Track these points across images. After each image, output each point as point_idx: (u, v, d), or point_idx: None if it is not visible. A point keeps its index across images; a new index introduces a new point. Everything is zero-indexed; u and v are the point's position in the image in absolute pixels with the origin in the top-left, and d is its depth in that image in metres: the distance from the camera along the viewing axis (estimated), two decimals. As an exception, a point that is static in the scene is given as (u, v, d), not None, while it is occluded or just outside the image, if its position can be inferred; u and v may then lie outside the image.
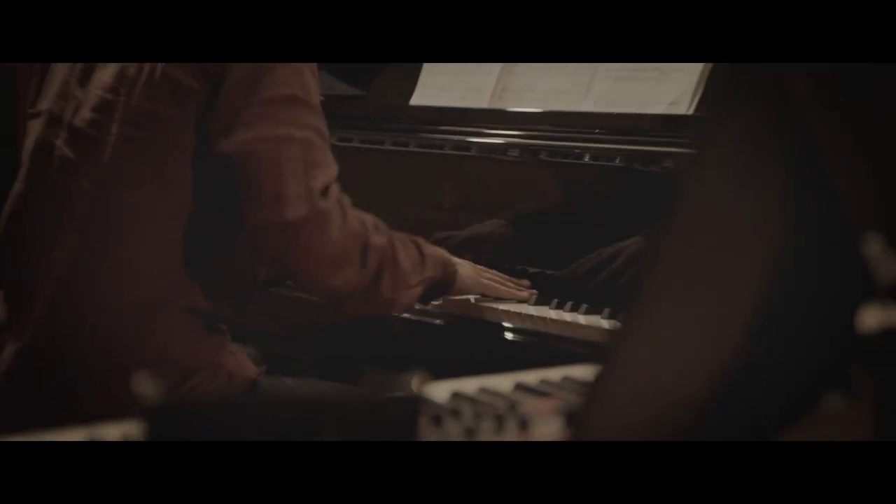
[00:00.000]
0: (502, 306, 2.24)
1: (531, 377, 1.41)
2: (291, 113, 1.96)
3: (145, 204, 1.98)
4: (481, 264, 2.27)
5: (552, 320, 2.16)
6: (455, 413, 1.23)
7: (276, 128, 1.94)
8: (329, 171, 1.99)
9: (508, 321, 2.22)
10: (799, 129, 0.89)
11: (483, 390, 1.37)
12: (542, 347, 2.15)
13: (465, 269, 2.22)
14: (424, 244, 2.14)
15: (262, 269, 2.12)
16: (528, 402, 1.29)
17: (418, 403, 1.03)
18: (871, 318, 0.99)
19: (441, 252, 2.17)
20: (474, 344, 2.27)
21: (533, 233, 2.32)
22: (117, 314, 1.98)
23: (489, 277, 2.27)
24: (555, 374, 1.43)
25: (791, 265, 0.96)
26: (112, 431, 1.20)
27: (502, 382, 1.40)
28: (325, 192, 1.96)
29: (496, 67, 2.52)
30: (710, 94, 2.20)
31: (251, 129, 1.94)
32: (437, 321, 2.33)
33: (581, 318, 2.14)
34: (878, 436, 1.03)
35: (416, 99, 2.62)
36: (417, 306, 2.35)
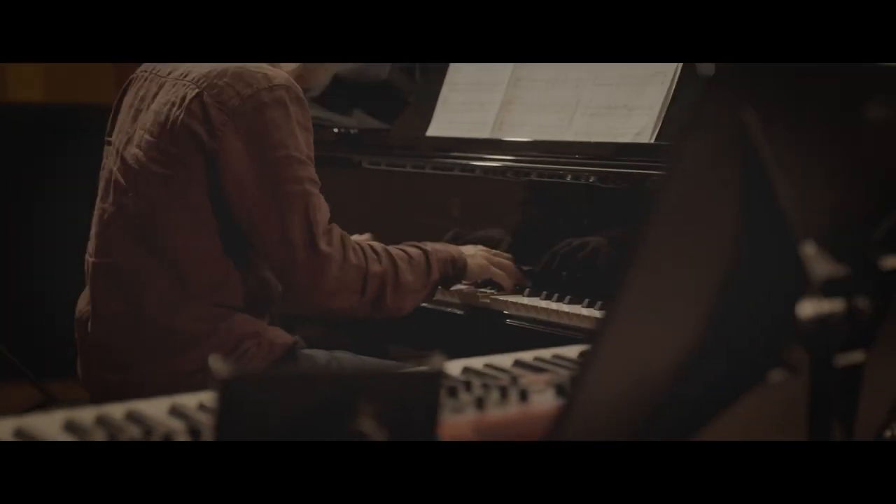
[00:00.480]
0: (503, 297, 2.22)
1: (528, 356, 1.40)
2: (288, 171, 1.92)
3: (177, 225, 1.97)
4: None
5: (543, 308, 2.15)
6: (467, 385, 1.22)
7: (275, 185, 1.91)
8: (324, 211, 1.96)
9: (508, 310, 2.20)
10: (751, 156, 0.87)
11: (488, 365, 1.35)
12: (535, 331, 2.13)
13: (476, 259, 2.18)
14: (434, 250, 2.10)
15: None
16: (526, 376, 1.27)
17: (438, 377, 1.01)
18: (807, 308, 0.98)
19: (450, 253, 2.13)
20: (481, 328, 2.25)
21: (524, 238, 2.31)
22: (167, 302, 1.97)
23: (498, 261, 2.22)
24: (546, 353, 1.42)
25: (744, 266, 0.95)
26: (190, 400, 1.18)
27: (504, 360, 1.38)
28: (327, 234, 1.94)
29: (496, 105, 2.50)
30: (676, 124, 2.18)
31: (256, 189, 1.91)
32: (456, 310, 2.30)
33: (566, 307, 2.12)
34: (812, 401, 1.01)
35: (431, 131, 2.61)
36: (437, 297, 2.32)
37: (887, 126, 0.97)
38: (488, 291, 2.25)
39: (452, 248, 2.16)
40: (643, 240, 0.90)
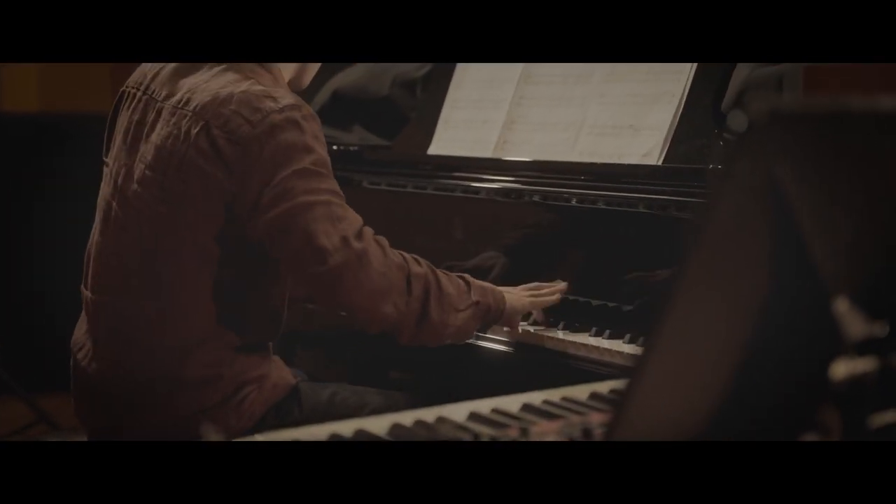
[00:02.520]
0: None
1: (536, 398, 1.34)
2: (308, 183, 1.82)
3: (183, 269, 1.87)
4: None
5: (548, 337, 2.09)
6: (475, 436, 1.16)
7: (297, 198, 1.81)
8: (354, 220, 1.86)
9: (512, 338, 2.14)
10: (783, 211, 0.82)
11: (496, 411, 1.30)
12: (526, 362, 2.06)
13: (512, 294, 2.06)
14: (470, 278, 2.00)
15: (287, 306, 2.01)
16: (537, 424, 1.21)
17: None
18: (840, 368, 0.92)
19: (487, 284, 2.02)
20: (486, 357, 2.19)
21: (528, 261, 2.25)
22: (171, 349, 1.89)
23: (531, 294, 2.10)
24: (555, 394, 1.36)
25: (774, 322, 0.90)
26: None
27: (511, 403, 1.33)
28: (358, 235, 1.84)
29: (499, 123, 2.45)
30: (684, 145, 2.13)
31: (277, 207, 1.81)
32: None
33: (571, 336, 2.06)
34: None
35: (433, 150, 2.56)
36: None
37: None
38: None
39: (487, 283, 2.03)
40: (674, 294, 0.85)
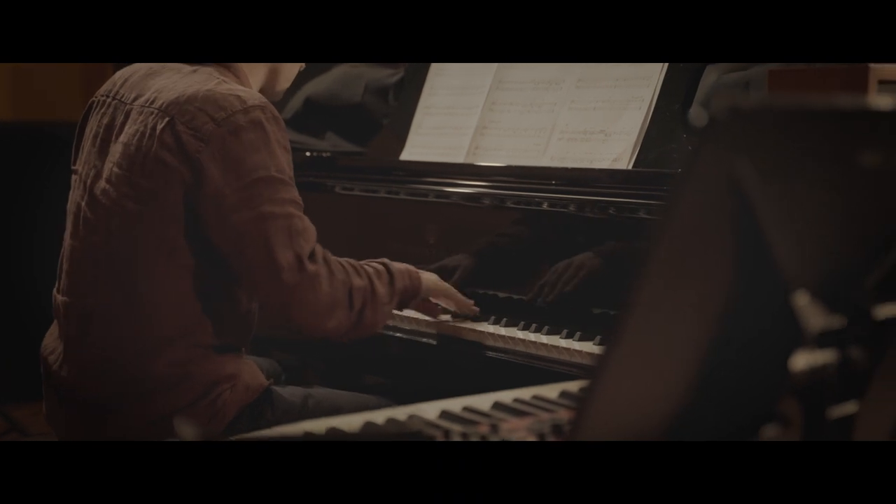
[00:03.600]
0: (479, 328, 2.18)
1: (507, 396, 1.36)
2: (270, 193, 1.85)
3: (152, 266, 1.89)
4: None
5: (521, 339, 2.11)
6: (446, 433, 1.18)
7: (259, 207, 1.84)
8: (310, 235, 1.90)
9: (485, 341, 2.16)
10: (745, 208, 0.84)
11: (467, 409, 1.31)
12: (512, 363, 2.09)
13: (429, 276, 2.13)
14: (390, 262, 2.05)
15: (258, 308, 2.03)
16: (507, 421, 1.23)
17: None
18: (800, 360, 0.94)
19: (405, 265, 2.08)
20: (457, 358, 2.21)
21: (499, 265, 2.27)
22: (141, 348, 1.91)
23: (448, 285, 2.18)
24: (526, 393, 1.38)
25: (737, 318, 0.91)
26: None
27: (483, 401, 1.34)
28: (312, 255, 1.88)
29: (471, 129, 2.47)
30: (653, 150, 2.16)
31: (238, 213, 1.84)
32: (431, 340, 2.26)
33: (544, 339, 2.08)
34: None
35: (406, 155, 2.57)
36: (407, 326, 2.30)
37: (880, 172, 0.94)
38: (452, 321, 2.21)
39: (403, 264, 2.09)
40: (637, 288, 0.87)
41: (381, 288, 1.98)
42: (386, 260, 2.06)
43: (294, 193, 1.90)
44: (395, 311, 2.14)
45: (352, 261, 1.98)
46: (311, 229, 1.91)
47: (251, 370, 2.00)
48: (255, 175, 1.84)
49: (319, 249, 1.91)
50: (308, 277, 1.86)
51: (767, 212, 0.86)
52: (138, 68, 2.04)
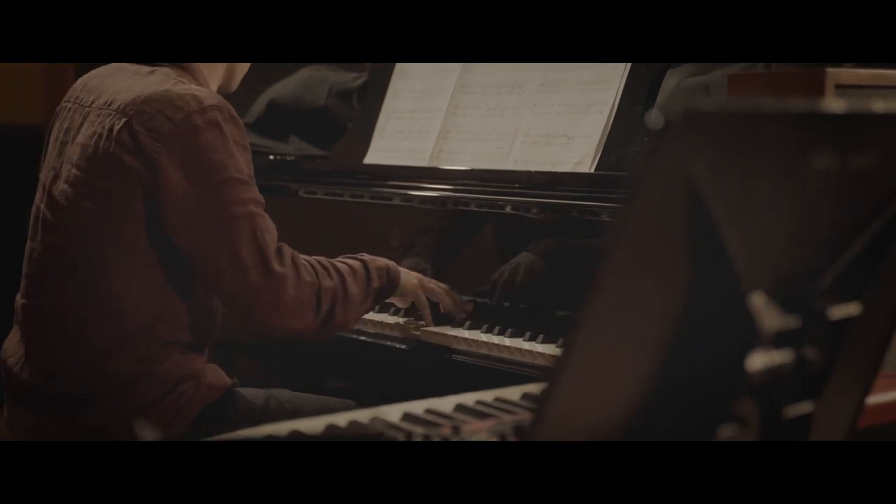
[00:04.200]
0: (443, 331, 2.18)
1: (469, 399, 1.36)
2: (231, 194, 1.85)
3: (112, 264, 1.88)
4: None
5: (484, 342, 2.11)
6: (408, 435, 1.18)
7: (220, 209, 1.84)
8: (273, 231, 1.89)
9: (450, 343, 2.16)
10: (700, 209, 0.85)
11: (429, 411, 1.32)
12: (478, 366, 2.09)
13: (408, 276, 2.12)
14: (371, 259, 2.05)
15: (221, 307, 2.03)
16: (468, 423, 1.24)
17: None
18: (756, 360, 0.96)
19: (385, 261, 2.08)
20: (423, 362, 2.21)
21: (464, 268, 2.28)
22: (103, 346, 1.90)
23: (432, 286, 2.17)
24: (489, 395, 1.39)
25: (694, 318, 0.92)
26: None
27: (445, 404, 1.35)
28: (279, 253, 1.88)
29: (434, 133, 2.48)
30: (615, 153, 2.17)
31: (200, 216, 1.84)
32: (396, 344, 2.26)
33: (507, 341, 2.09)
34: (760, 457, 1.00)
35: (370, 158, 2.58)
36: (373, 330, 2.29)
37: (833, 174, 0.95)
38: (421, 324, 2.21)
39: (386, 260, 2.09)
40: (593, 290, 0.87)
41: (354, 287, 1.98)
42: (366, 256, 2.05)
43: (255, 192, 1.90)
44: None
45: (324, 260, 1.98)
46: (273, 228, 1.91)
47: (214, 369, 2.00)
48: (215, 176, 1.84)
49: (287, 249, 1.91)
50: (275, 277, 1.86)
51: (722, 212, 0.87)
52: (99, 72, 2.04)
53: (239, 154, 1.88)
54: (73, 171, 1.92)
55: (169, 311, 1.92)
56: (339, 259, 2.02)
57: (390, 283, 2.07)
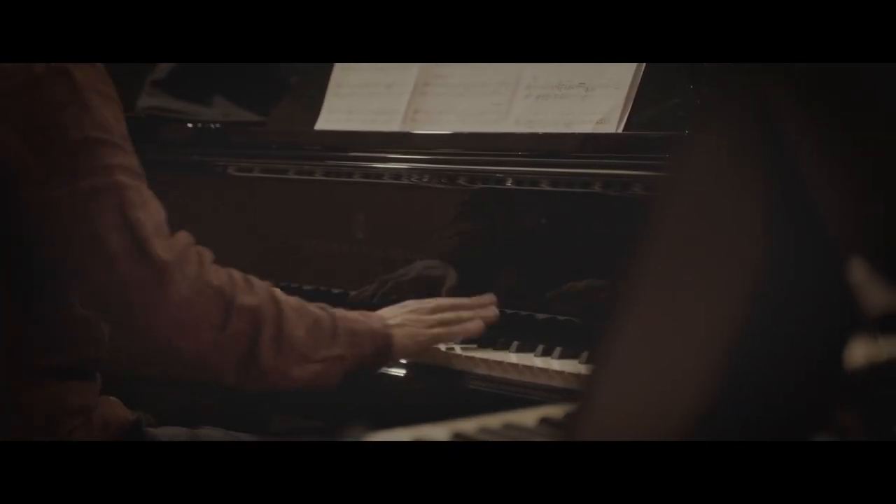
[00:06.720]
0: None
1: (470, 426, 1.37)
2: (87, 159, 1.84)
3: None
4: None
5: (482, 360, 2.12)
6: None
7: (74, 181, 1.83)
8: (151, 208, 1.87)
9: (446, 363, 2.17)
10: (784, 153, 0.86)
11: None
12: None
13: (405, 331, 2.07)
14: (342, 315, 2.01)
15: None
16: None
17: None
18: (857, 352, 0.97)
19: (373, 325, 2.04)
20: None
21: (453, 265, 2.29)
22: None
23: (437, 324, 2.12)
24: (495, 420, 1.40)
25: (772, 297, 0.94)
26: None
27: (438, 432, 1.36)
28: (163, 238, 1.85)
29: (408, 87, 2.48)
30: (651, 109, 2.18)
31: (47, 188, 1.83)
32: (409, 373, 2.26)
33: (513, 357, 2.10)
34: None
35: (322, 124, 2.58)
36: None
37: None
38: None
39: (372, 317, 2.05)
40: (638, 267, 0.89)
41: (300, 331, 1.94)
42: (338, 311, 2.01)
43: (125, 157, 1.88)
44: None
45: (258, 280, 1.95)
46: (156, 208, 1.88)
47: (110, 403, 2.01)
48: (66, 138, 1.84)
49: (185, 238, 1.89)
50: (157, 267, 1.83)
51: (814, 157, 0.89)
52: None
53: (99, 105, 1.87)
54: None
55: (37, 336, 1.93)
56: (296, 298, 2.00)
57: (375, 352, 2.03)
